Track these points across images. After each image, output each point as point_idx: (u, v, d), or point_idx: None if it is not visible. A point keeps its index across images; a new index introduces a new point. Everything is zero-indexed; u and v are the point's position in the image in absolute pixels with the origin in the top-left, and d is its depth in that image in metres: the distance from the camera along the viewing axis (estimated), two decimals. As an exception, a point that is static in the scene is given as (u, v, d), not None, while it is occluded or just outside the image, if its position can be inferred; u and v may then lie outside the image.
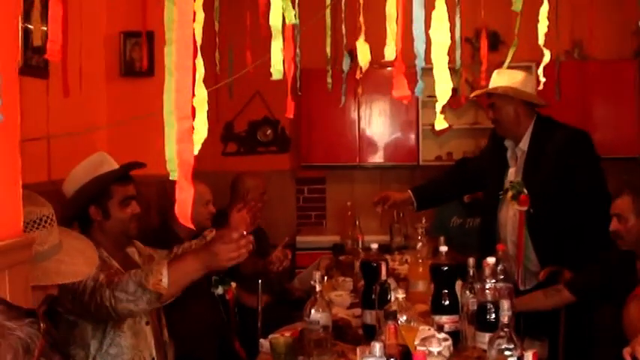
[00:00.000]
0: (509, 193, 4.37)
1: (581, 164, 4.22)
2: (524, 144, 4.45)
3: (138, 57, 5.17)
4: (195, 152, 1.20)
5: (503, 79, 4.44)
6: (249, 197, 5.58)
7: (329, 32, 2.96)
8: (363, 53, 1.65)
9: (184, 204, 1.17)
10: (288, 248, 4.79)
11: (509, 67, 7.24)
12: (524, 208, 4.28)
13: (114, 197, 3.29)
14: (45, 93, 3.94)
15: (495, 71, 4.52)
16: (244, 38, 3.63)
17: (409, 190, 5.18)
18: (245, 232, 3.02)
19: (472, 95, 4.83)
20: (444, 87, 1.26)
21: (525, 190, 4.30)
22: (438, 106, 1.29)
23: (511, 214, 4.39)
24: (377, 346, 2.19)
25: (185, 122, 1.17)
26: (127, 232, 3.37)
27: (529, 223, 4.30)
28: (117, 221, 3.30)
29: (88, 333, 3.07)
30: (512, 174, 4.50)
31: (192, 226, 1.21)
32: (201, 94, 1.22)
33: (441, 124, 1.35)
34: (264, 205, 5.59)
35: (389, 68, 6.88)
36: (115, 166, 3.37)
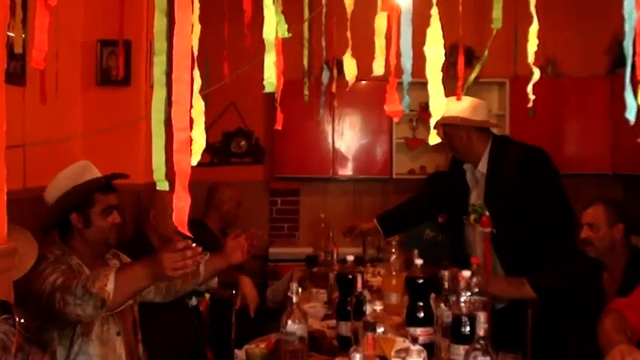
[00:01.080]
0: (472, 217, 4.44)
1: (537, 180, 4.25)
2: (482, 167, 4.51)
3: (114, 66, 5.15)
4: (194, 163, 1.22)
5: (451, 107, 4.45)
6: (224, 208, 5.58)
7: (307, 44, 2.99)
8: (350, 67, 1.67)
9: (182, 212, 1.19)
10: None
11: (482, 83, 7.38)
12: (488, 230, 4.34)
13: (96, 206, 3.30)
14: (22, 100, 3.92)
15: (447, 99, 4.55)
16: (221, 49, 3.64)
17: (375, 220, 5.32)
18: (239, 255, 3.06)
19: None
20: (438, 102, 1.29)
21: (487, 212, 4.36)
22: (432, 122, 1.32)
23: (477, 235, 4.45)
24: (357, 357, 2.21)
25: (183, 133, 1.19)
26: (107, 242, 3.38)
27: (494, 242, 4.36)
28: (97, 230, 3.31)
29: (54, 340, 3.07)
30: (474, 197, 4.57)
31: (189, 234, 1.23)
32: (199, 105, 1.24)
33: (434, 139, 1.38)
34: (239, 216, 5.60)
35: (364, 82, 6.94)
36: (98, 174, 3.38)
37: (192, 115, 1.22)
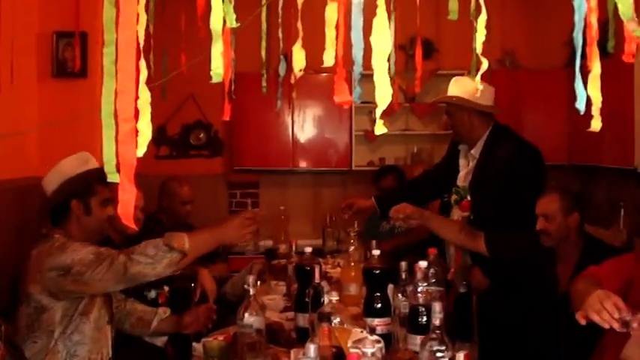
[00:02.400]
0: (454, 197, 4.46)
1: (524, 178, 4.24)
2: (476, 151, 4.51)
3: (70, 57, 5.09)
4: (140, 154, 1.21)
5: (458, 87, 4.50)
6: (174, 204, 5.53)
7: (264, 36, 2.97)
8: (299, 59, 1.66)
9: (127, 205, 1.18)
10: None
11: (441, 76, 7.42)
12: (465, 214, 4.35)
13: (97, 195, 3.37)
14: (-26, 92, 3.86)
15: (453, 79, 4.60)
16: (179, 41, 3.62)
17: (372, 198, 5.24)
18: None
19: (431, 102, 4.88)
20: (383, 93, 1.29)
21: (468, 197, 4.37)
22: (378, 112, 1.31)
23: (456, 218, 4.47)
24: (311, 348, 2.21)
25: (127, 124, 1.18)
26: (102, 232, 3.45)
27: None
28: (96, 219, 3.37)
29: (56, 319, 3.13)
30: (461, 178, 4.57)
31: (134, 227, 1.22)
32: (145, 96, 1.23)
33: (380, 129, 1.38)
34: (191, 212, 5.55)
35: (324, 74, 6.94)
36: (98, 166, 3.43)
37: (138, 106, 1.21)
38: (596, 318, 2.49)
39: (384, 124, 1.36)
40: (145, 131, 1.21)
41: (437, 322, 2.52)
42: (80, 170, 3.38)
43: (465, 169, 4.60)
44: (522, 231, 3.96)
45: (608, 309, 2.48)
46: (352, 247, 4.48)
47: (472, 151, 4.53)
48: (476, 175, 4.45)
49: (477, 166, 4.48)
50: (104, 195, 3.39)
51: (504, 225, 4.11)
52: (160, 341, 3.87)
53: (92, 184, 3.35)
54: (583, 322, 2.56)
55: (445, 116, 4.85)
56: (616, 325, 2.46)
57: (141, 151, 1.21)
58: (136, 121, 1.21)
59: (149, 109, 1.23)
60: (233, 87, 3.08)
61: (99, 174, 3.33)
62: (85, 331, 3.19)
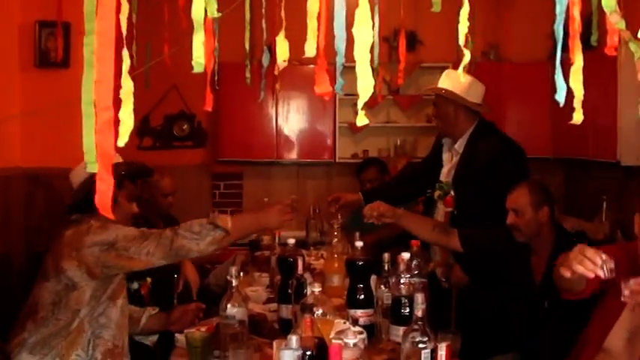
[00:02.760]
0: (437, 192, 4.50)
1: (507, 174, 4.22)
2: (459, 146, 4.53)
3: (53, 47, 5.06)
4: (122, 144, 1.21)
5: (449, 80, 4.50)
6: (156, 196, 5.50)
7: (248, 26, 2.96)
8: (282, 50, 1.66)
9: (104, 195, 1.17)
10: None
11: (425, 68, 7.42)
12: (449, 209, 4.38)
13: (124, 190, 3.46)
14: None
15: (446, 71, 4.63)
16: (162, 31, 3.60)
17: (359, 193, 5.25)
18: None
19: (422, 92, 4.91)
20: (365, 84, 1.29)
21: (452, 192, 4.40)
22: (360, 103, 1.31)
23: (441, 213, 4.48)
24: (293, 339, 2.22)
25: (105, 113, 1.17)
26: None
27: (452, 223, 4.36)
28: (122, 213, 3.43)
29: (85, 298, 3.20)
30: (444, 174, 4.59)
31: (112, 217, 1.21)
32: (128, 85, 1.22)
33: (362, 120, 1.37)
34: (173, 204, 5.51)
35: (311, 66, 6.92)
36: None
37: (121, 95, 1.20)
38: (580, 269, 2.52)
39: (367, 115, 1.36)
40: (127, 120, 1.21)
41: (419, 313, 2.53)
42: None
43: (448, 164, 4.61)
44: (496, 226, 3.97)
45: (591, 257, 2.51)
46: (335, 239, 4.48)
47: (456, 146, 4.55)
48: (459, 171, 4.47)
49: (460, 161, 4.50)
50: (130, 190, 3.49)
51: (489, 220, 4.10)
52: (150, 341, 3.88)
53: (121, 179, 3.41)
54: (568, 274, 2.58)
55: (428, 109, 4.85)
56: (600, 273, 2.49)
57: (122, 140, 1.21)
58: (118, 111, 1.20)
59: (132, 99, 1.22)
60: (216, 77, 3.08)
61: (127, 169, 3.47)
62: (111, 315, 3.28)
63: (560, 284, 2.96)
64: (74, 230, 3.24)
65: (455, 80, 4.45)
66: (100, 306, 3.24)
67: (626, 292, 2.48)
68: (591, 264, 2.50)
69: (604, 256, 2.51)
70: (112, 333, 3.28)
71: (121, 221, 3.42)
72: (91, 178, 3.40)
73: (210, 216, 3.25)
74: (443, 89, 4.49)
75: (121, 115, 1.21)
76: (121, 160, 3.48)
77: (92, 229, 3.20)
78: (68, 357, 3.14)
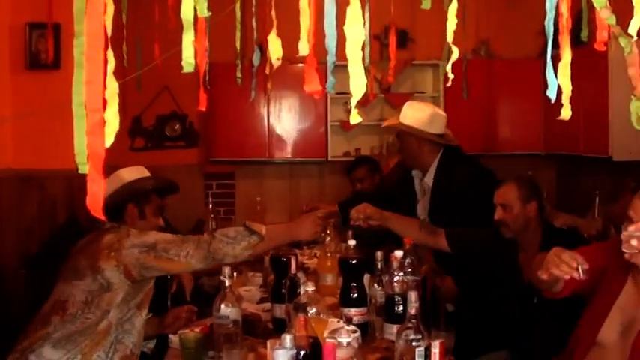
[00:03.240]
0: None
1: (478, 201, 4.23)
2: (429, 179, 4.57)
3: (44, 49, 5.05)
4: (108, 145, 1.20)
5: (411, 112, 4.55)
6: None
7: (239, 26, 2.96)
8: (275, 48, 1.65)
9: (96, 196, 1.16)
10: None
11: (416, 65, 7.42)
12: None
13: (151, 204, 3.55)
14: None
15: (407, 103, 4.68)
16: (153, 32, 3.60)
17: (337, 204, 5.29)
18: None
19: (384, 125, 4.95)
20: (358, 82, 1.28)
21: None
22: (353, 101, 1.31)
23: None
24: (287, 338, 2.22)
25: (96, 115, 1.17)
26: None
27: (434, 252, 4.44)
28: (148, 225, 3.48)
29: (117, 300, 3.22)
30: (420, 209, 4.66)
31: (104, 218, 1.21)
32: (113, 86, 1.22)
33: (355, 118, 1.37)
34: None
35: (300, 65, 6.92)
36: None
37: (106, 96, 1.20)
38: (556, 271, 2.62)
39: (359, 113, 1.36)
40: (113, 122, 1.20)
41: (413, 310, 2.53)
42: (138, 177, 3.53)
43: (422, 200, 4.68)
44: (483, 226, 3.98)
45: (566, 260, 2.59)
46: (328, 238, 4.48)
47: (425, 179, 4.61)
48: (434, 204, 4.53)
49: (432, 197, 4.55)
50: (157, 204, 3.57)
51: None
52: (148, 348, 3.89)
53: (148, 192, 3.53)
54: (545, 277, 2.68)
55: None
56: (575, 274, 2.57)
57: (108, 141, 1.20)
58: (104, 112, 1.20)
59: (117, 100, 1.22)
60: (207, 77, 3.08)
61: (155, 184, 3.58)
62: (135, 323, 3.29)
63: (538, 284, 3.04)
64: (114, 234, 3.28)
65: (416, 112, 4.52)
66: (128, 312, 3.27)
67: (633, 242, 2.55)
68: (567, 267, 2.59)
69: (579, 259, 2.59)
70: (133, 340, 3.30)
71: None
72: (120, 190, 3.46)
73: (245, 223, 3.31)
74: (403, 125, 4.52)
75: (107, 115, 1.20)
76: (148, 174, 3.61)
77: (132, 233, 3.25)
78: (90, 356, 3.16)
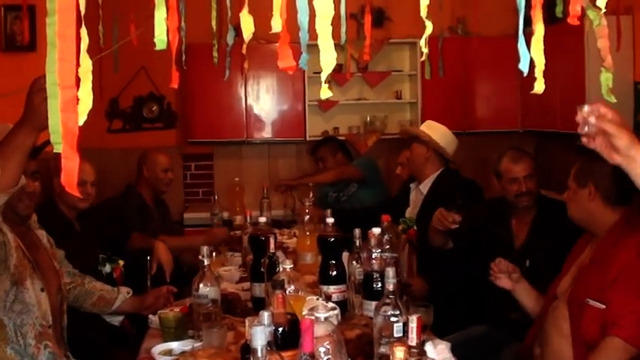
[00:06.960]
0: (400, 227, 4.85)
1: (462, 207, 4.34)
2: (424, 187, 4.98)
3: (19, 31, 5.01)
4: (81, 123, 1.20)
5: (434, 130, 5.00)
6: (152, 175, 5.48)
7: (214, 5, 2.95)
8: (247, 25, 1.65)
9: (71, 173, 1.16)
10: None
11: (394, 44, 7.43)
12: (410, 238, 4.84)
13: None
14: None
15: (427, 122, 5.20)
16: (130, 12, 3.58)
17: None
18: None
19: (401, 130, 5.48)
20: (328, 57, 1.29)
21: (415, 227, 4.84)
22: (323, 76, 1.32)
23: (402, 243, 4.83)
24: (265, 315, 2.22)
25: (69, 92, 1.17)
26: (15, 209, 3.16)
27: (412, 246, 4.89)
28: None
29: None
30: (409, 212, 5.06)
31: (79, 195, 1.21)
32: (86, 64, 1.21)
33: (325, 93, 1.38)
34: (171, 182, 5.56)
35: (276, 44, 6.91)
36: None
37: (80, 74, 1.20)
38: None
39: (331, 89, 1.36)
40: (86, 100, 1.20)
41: (390, 287, 2.55)
42: None
43: (413, 204, 5.10)
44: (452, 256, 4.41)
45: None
46: (307, 217, 4.49)
47: (420, 187, 5.03)
48: (422, 210, 4.88)
49: (423, 202, 4.92)
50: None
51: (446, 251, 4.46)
52: (117, 320, 3.87)
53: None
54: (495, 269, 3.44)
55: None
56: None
57: (81, 119, 1.20)
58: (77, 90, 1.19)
59: (90, 78, 1.22)
60: (184, 57, 3.07)
61: None
62: (25, 299, 3.03)
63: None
64: None
65: (436, 128, 5.01)
66: (9, 294, 3.00)
67: (592, 120, 2.33)
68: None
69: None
70: (36, 315, 3.07)
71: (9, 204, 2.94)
72: None
73: None
74: (422, 131, 4.99)
75: (80, 94, 1.20)
76: None
77: None
78: (4, 354, 2.96)
